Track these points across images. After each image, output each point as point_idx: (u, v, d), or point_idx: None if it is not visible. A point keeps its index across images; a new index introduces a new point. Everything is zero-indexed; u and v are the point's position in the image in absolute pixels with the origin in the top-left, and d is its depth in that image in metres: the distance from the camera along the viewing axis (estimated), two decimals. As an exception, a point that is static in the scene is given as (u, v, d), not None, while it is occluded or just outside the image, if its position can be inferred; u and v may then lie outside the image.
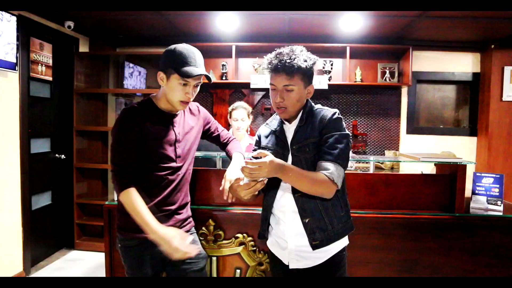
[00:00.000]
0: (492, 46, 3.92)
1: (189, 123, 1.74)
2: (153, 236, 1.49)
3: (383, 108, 4.29)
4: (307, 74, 1.50)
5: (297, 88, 1.48)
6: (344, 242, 1.54)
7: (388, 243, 2.04)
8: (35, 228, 3.50)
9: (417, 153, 2.34)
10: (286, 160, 1.52)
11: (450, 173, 2.13)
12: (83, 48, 4.15)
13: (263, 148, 1.63)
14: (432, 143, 4.28)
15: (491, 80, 3.95)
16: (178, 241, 1.48)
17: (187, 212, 1.78)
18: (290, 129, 1.57)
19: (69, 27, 3.63)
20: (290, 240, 1.51)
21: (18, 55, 3.10)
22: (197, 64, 1.55)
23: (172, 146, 1.63)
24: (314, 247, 1.47)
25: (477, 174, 2.19)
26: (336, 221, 1.49)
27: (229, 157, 1.85)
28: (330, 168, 1.41)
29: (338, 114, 1.51)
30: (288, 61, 1.45)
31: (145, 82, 4.51)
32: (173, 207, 1.67)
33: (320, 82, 3.85)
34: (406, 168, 3.94)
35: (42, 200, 3.68)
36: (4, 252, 3.04)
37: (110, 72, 4.49)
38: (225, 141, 1.93)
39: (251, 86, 3.99)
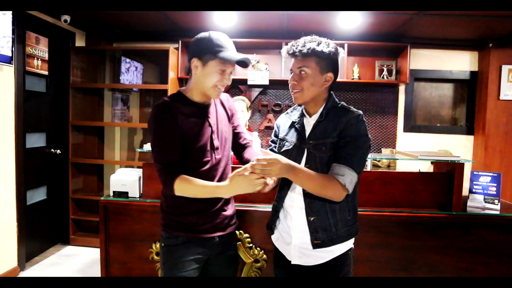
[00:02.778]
0: (490, 44, 3.92)
1: (222, 113, 1.67)
2: (228, 193, 1.48)
3: (380, 105, 4.28)
4: (323, 59, 1.46)
5: (311, 71, 1.45)
6: (348, 245, 1.51)
7: (385, 242, 2.04)
8: (30, 223, 3.47)
9: (414, 151, 2.34)
10: (302, 155, 1.50)
11: (448, 172, 2.13)
12: (80, 42, 4.11)
13: (281, 139, 1.62)
14: (429, 142, 4.28)
15: (489, 79, 3.95)
16: (247, 177, 1.40)
17: (232, 208, 1.71)
18: (309, 123, 1.54)
19: (65, 21, 3.59)
20: (295, 235, 1.51)
21: (13, 49, 3.06)
22: (234, 51, 1.52)
23: (209, 139, 1.56)
24: (315, 246, 1.46)
25: (475, 172, 2.19)
26: (341, 224, 1.47)
27: (244, 163, 1.70)
28: (344, 173, 1.38)
29: (362, 117, 1.46)
30: (304, 44, 1.45)
31: (142, 77, 4.48)
32: (218, 204, 1.60)
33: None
34: (403, 166, 3.94)
35: (37, 195, 3.65)
36: (-2, 247, 3.02)
37: (107, 67, 4.45)
38: (243, 143, 1.78)
39: (249, 83, 3.97)
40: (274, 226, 1.64)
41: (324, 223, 1.46)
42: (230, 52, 1.49)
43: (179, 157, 1.50)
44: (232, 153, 1.74)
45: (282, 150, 1.59)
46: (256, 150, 1.74)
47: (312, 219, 1.46)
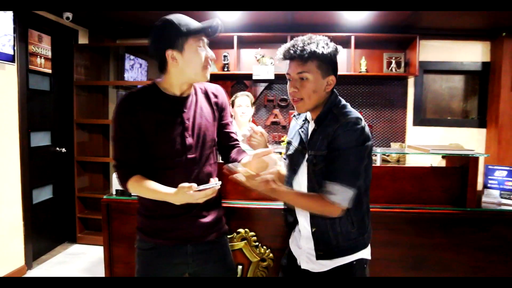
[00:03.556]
0: (503, 34, 3.78)
1: (203, 106, 1.49)
2: (175, 202, 1.33)
3: (389, 99, 4.19)
4: (325, 62, 1.34)
5: (312, 77, 1.33)
6: (353, 257, 1.40)
7: (395, 239, 1.97)
8: (36, 222, 3.46)
9: (425, 145, 2.26)
10: (302, 162, 1.42)
11: (461, 166, 2.04)
12: (83, 40, 4.07)
13: (288, 142, 1.56)
14: (439, 135, 4.18)
15: (502, 70, 3.83)
16: (191, 195, 1.29)
17: (215, 213, 1.53)
18: (311, 129, 1.44)
19: (67, 18, 3.55)
20: (303, 241, 1.47)
21: (16, 47, 3.03)
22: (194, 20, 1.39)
23: (179, 136, 1.41)
24: (318, 257, 1.41)
25: (490, 167, 2.11)
26: (342, 238, 1.38)
27: (234, 161, 1.54)
28: (335, 191, 1.27)
29: (353, 125, 1.29)
30: (301, 45, 1.32)
31: (146, 74, 4.44)
32: (193, 210, 1.44)
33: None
34: (413, 160, 3.85)
35: (43, 194, 3.64)
36: (5, 246, 3.01)
37: (111, 65, 4.42)
38: (231, 144, 1.61)
39: (254, 77, 3.91)
40: (292, 228, 1.59)
41: (324, 236, 1.39)
42: (194, 22, 1.37)
43: (136, 156, 1.41)
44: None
45: (287, 153, 1.54)
46: (242, 154, 1.57)
47: (313, 230, 1.41)
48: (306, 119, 1.50)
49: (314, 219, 1.40)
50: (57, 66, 3.74)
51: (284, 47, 1.38)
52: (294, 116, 1.60)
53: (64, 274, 3.24)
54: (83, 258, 3.58)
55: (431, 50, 4.09)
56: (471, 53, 4.08)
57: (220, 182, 1.34)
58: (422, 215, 1.97)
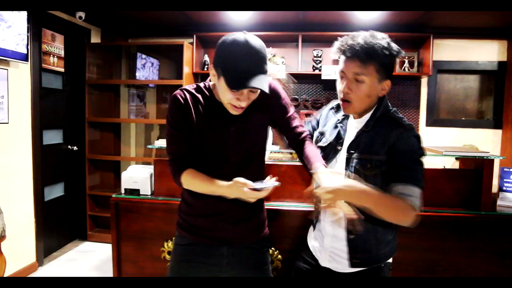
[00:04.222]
0: (520, 33, 3.70)
1: (255, 116, 1.38)
2: (227, 193, 1.30)
3: (402, 99, 4.12)
4: (385, 66, 1.26)
5: (369, 80, 1.26)
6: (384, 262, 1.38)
7: (407, 242, 1.92)
8: (48, 219, 3.50)
9: (438, 146, 2.21)
10: (335, 157, 1.37)
11: (475, 168, 1.99)
12: (95, 39, 4.11)
13: (320, 133, 1.49)
14: (453, 136, 4.09)
15: (518, 70, 3.73)
16: (245, 193, 1.25)
17: (255, 217, 1.47)
18: (352, 127, 1.38)
19: (80, 17, 3.58)
20: (327, 239, 1.40)
21: (29, 46, 3.07)
22: (251, 71, 1.20)
23: (223, 149, 1.36)
24: (354, 265, 1.35)
25: (505, 169, 2.05)
26: (383, 245, 1.35)
27: (307, 166, 1.41)
28: (413, 193, 1.19)
29: (414, 130, 1.27)
30: (364, 45, 1.23)
31: (158, 73, 4.46)
32: (232, 212, 1.40)
33: (335, 72, 3.70)
34: (425, 162, 3.77)
35: (55, 191, 3.68)
36: (17, 243, 3.05)
37: (123, 63, 4.45)
38: (300, 138, 1.50)
39: (265, 77, 3.88)
40: (314, 224, 1.53)
41: (365, 244, 1.33)
42: (243, 75, 1.19)
43: (187, 151, 1.38)
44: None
45: (317, 144, 1.47)
46: (313, 154, 1.42)
47: (352, 237, 1.33)
48: (346, 114, 1.43)
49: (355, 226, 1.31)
50: (70, 65, 3.77)
51: (343, 42, 1.30)
52: (333, 108, 1.53)
53: (75, 271, 3.27)
54: (93, 256, 3.61)
55: (445, 50, 4.01)
56: (487, 52, 3.98)
57: (277, 184, 1.26)
58: (434, 218, 1.92)
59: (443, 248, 1.91)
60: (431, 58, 3.72)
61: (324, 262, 1.43)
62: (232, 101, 1.26)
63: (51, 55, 3.47)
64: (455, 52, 4.01)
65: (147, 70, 4.28)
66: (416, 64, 3.96)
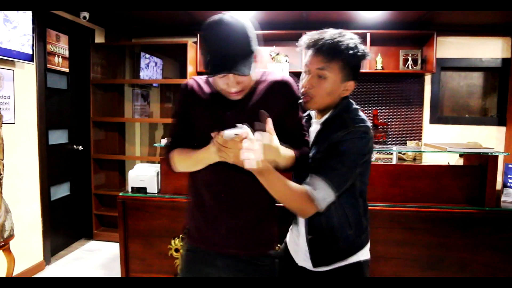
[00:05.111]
0: (524, 29, 3.69)
1: (258, 107, 1.21)
2: (209, 156, 1.18)
3: (405, 96, 4.12)
4: (349, 65, 1.24)
5: (332, 78, 1.24)
6: (353, 259, 1.33)
7: (411, 238, 1.94)
8: (54, 218, 3.53)
9: (442, 143, 2.22)
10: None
11: (480, 165, 2.00)
12: (99, 39, 4.13)
13: None
14: (457, 133, 4.09)
15: (522, 66, 3.73)
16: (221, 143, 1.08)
17: (261, 224, 1.31)
18: (314, 126, 1.37)
19: (84, 18, 3.60)
20: (301, 239, 1.40)
21: (34, 47, 3.09)
22: (225, 59, 1.13)
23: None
24: (315, 264, 1.34)
25: (509, 165, 2.05)
26: (341, 242, 1.31)
27: None
28: (317, 187, 1.18)
29: (364, 135, 1.22)
30: (330, 41, 1.22)
31: (162, 72, 4.48)
32: (230, 215, 1.27)
33: None
34: (429, 159, 3.78)
35: (61, 190, 3.71)
36: (25, 242, 3.08)
37: (126, 63, 4.48)
38: (300, 156, 1.31)
39: (268, 75, 3.89)
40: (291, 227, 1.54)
41: (322, 243, 1.32)
42: (216, 59, 1.14)
43: (181, 139, 1.34)
44: None
45: None
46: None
47: (310, 237, 1.33)
48: (309, 114, 1.43)
49: (312, 225, 1.32)
50: (74, 65, 3.80)
51: (310, 36, 1.28)
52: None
53: (82, 270, 3.30)
54: (100, 254, 3.64)
55: (449, 47, 4.01)
56: (491, 49, 3.98)
57: (247, 129, 1.06)
58: (439, 214, 1.93)
59: (448, 244, 1.92)
60: (435, 55, 3.71)
61: (300, 261, 1.41)
62: (223, 86, 1.21)
63: (56, 56, 3.50)
64: (459, 49, 4.01)
65: (151, 69, 4.30)
66: (419, 61, 3.96)
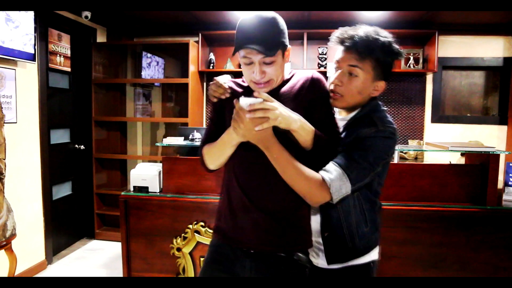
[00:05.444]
0: (526, 28, 3.69)
1: (286, 102, 1.20)
2: (233, 136, 1.19)
3: (407, 96, 4.12)
4: (381, 65, 1.21)
5: (363, 76, 1.21)
6: (367, 258, 1.31)
7: (413, 237, 1.94)
8: (56, 217, 3.54)
9: (443, 142, 2.22)
10: None
11: (481, 163, 2.00)
12: (101, 38, 4.14)
13: None
14: (458, 133, 4.09)
15: (524, 65, 3.72)
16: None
17: (293, 221, 1.26)
18: (339, 122, 1.32)
19: (86, 17, 3.61)
20: (312, 235, 1.35)
21: (36, 46, 3.10)
22: (250, 35, 1.16)
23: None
24: (330, 261, 1.30)
25: (511, 164, 2.05)
26: (358, 239, 1.27)
27: None
28: (331, 171, 1.14)
29: (390, 134, 1.20)
30: (365, 38, 1.18)
31: (163, 72, 4.49)
32: (260, 211, 1.23)
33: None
34: (430, 158, 3.78)
35: (63, 190, 3.72)
36: (27, 241, 3.09)
37: (128, 63, 4.48)
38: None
39: (269, 75, 3.89)
40: None
41: (339, 239, 1.28)
42: (242, 38, 1.17)
43: (217, 134, 1.31)
44: None
45: None
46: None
47: (326, 234, 1.29)
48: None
49: (328, 221, 1.27)
50: (76, 64, 3.81)
51: (343, 31, 1.24)
52: None
53: (84, 269, 3.31)
54: (102, 254, 3.65)
55: (450, 46, 4.00)
56: (492, 48, 3.97)
57: (261, 99, 1.09)
58: (441, 213, 1.93)
59: (450, 242, 1.92)
60: (436, 54, 3.71)
61: (311, 258, 1.37)
62: (250, 76, 1.22)
63: (58, 55, 3.51)
64: (460, 49, 4.00)
65: (152, 69, 4.30)
66: (421, 60, 3.96)
